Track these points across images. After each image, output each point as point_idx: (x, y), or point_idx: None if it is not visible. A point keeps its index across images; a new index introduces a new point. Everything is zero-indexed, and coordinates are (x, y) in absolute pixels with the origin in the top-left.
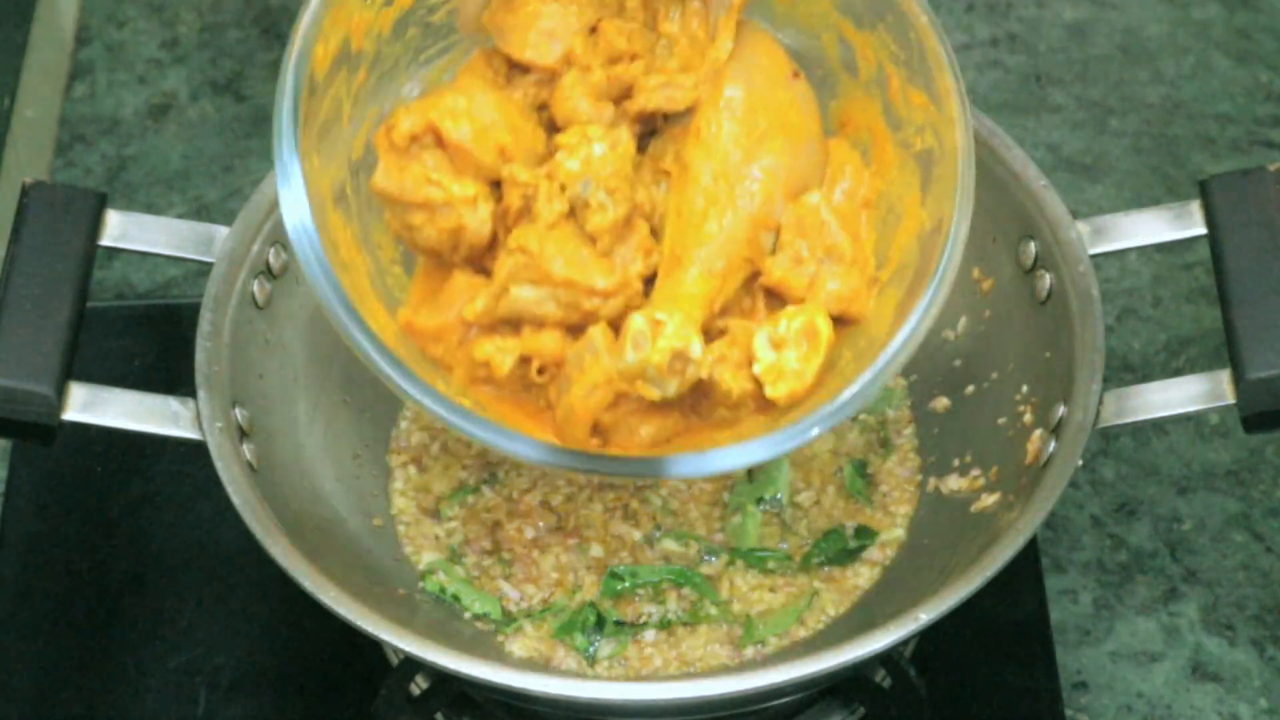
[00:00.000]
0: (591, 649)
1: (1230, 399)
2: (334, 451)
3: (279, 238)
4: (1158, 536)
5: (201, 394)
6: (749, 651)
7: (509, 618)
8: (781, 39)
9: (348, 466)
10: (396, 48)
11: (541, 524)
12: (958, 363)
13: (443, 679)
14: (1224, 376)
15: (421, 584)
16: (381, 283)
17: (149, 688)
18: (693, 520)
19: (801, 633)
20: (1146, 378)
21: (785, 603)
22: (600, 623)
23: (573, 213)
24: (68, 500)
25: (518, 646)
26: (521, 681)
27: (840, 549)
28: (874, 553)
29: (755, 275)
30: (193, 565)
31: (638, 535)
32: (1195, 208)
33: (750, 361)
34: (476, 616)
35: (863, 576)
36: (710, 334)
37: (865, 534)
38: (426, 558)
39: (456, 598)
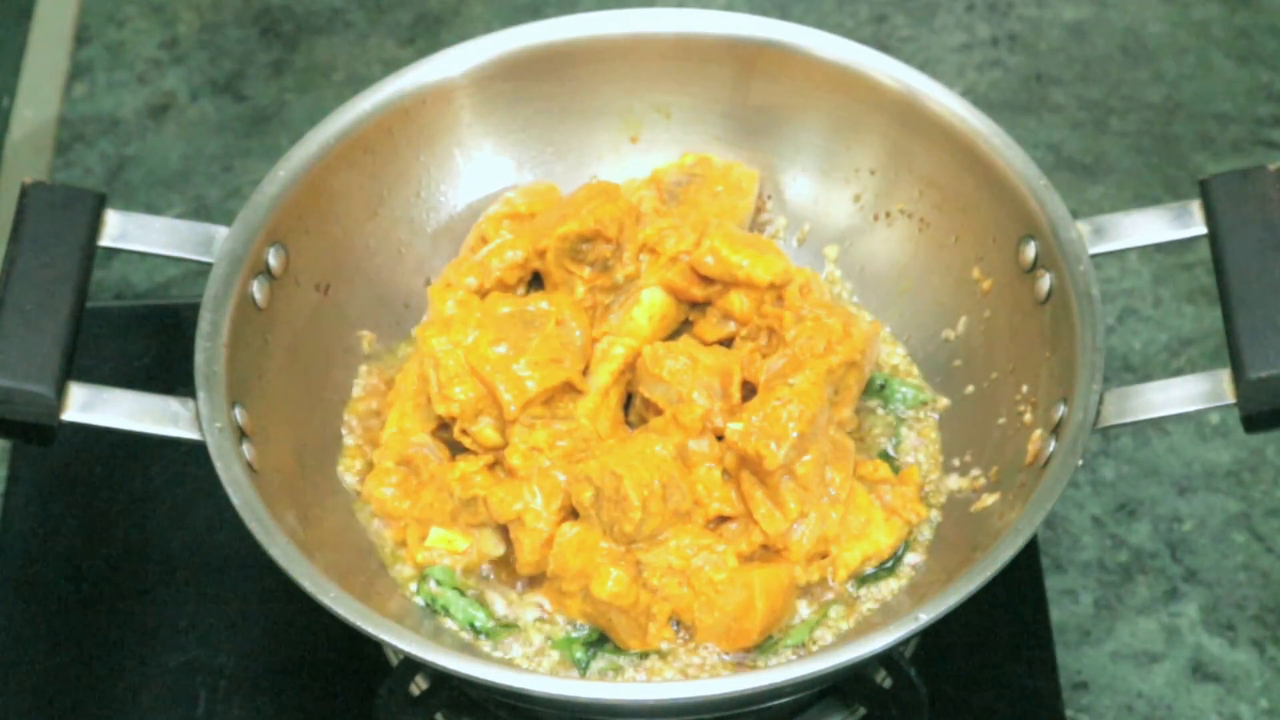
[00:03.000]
0: (586, 661)
1: (1230, 399)
2: (333, 452)
3: (279, 238)
4: (1158, 536)
5: (201, 394)
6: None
7: (497, 628)
8: None
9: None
10: None
11: None
12: (958, 363)
13: (443, 679)
14: (1224, 376)
15: (413, 588)
16: None
17: (149, 688)
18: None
19: (814, 646)
20: (1146, 377)
21: (806, 617)
22: (602, 641)
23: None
24: (68, 500)
25: (505, 650)
26: (521, 682)
27: (879, 565)
28: (910, 559)
29: None
30: (193, 565)
31: None
32: (1195, 208)
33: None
34: (464, 625)
35: (889, 588)
36: None
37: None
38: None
39: (445, 607)
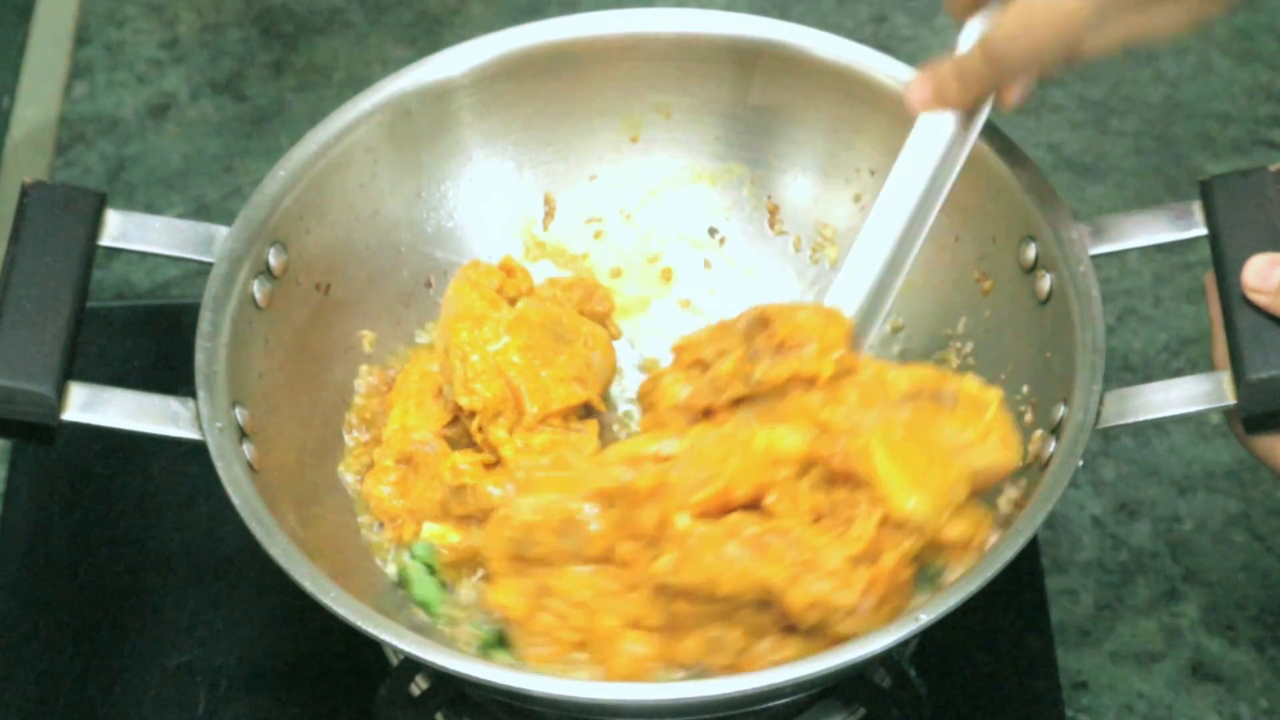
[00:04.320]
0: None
1: (1230, 399)
2: (333, 452)
3: (279, 238)
4: (1158, 537)
5: (201, 394)
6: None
7: (449, 615)
8: None
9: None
10: None
11: None
12: (957, 363)
13: (443, 679)
14: (1224, 376)
15: (391, 554)
16: None
17: (149, 688)
18: None
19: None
20: (1147, 378)
21: None
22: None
23: None
24: (68, 500)
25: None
26: (521, 681)
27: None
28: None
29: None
30: (193, 565)
31: None
32: (1195, 208)
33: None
34: (420, 603)
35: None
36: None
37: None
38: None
39: (409, 581)
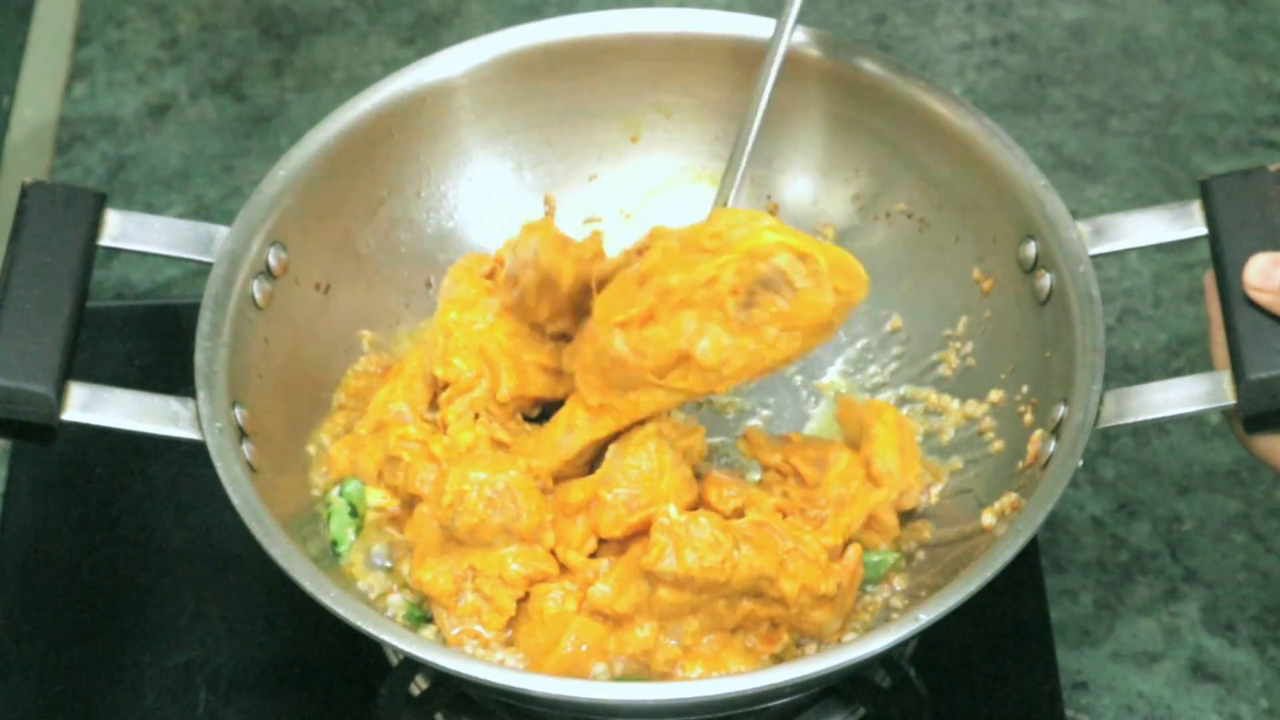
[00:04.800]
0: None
1: (1230, 399)
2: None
3: (279, 238)
4: (1158, 536)
5: (201, 394)
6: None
7: (355, 564)
8: None
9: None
10: None
11: None
12: (957, 363)
13: (443, 679)
14: (1224, 377)
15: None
16: None
17: (149, 688)
18: None
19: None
20: (1147, 378)
21: None
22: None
23: None
24: (68, 500)
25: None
26: (521, 682)
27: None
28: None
29: None
30: (193, 565)
31: None
32: (1195, 208)
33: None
34: (330, 539)
35: (890, 588)
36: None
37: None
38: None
39: (330, 516)
